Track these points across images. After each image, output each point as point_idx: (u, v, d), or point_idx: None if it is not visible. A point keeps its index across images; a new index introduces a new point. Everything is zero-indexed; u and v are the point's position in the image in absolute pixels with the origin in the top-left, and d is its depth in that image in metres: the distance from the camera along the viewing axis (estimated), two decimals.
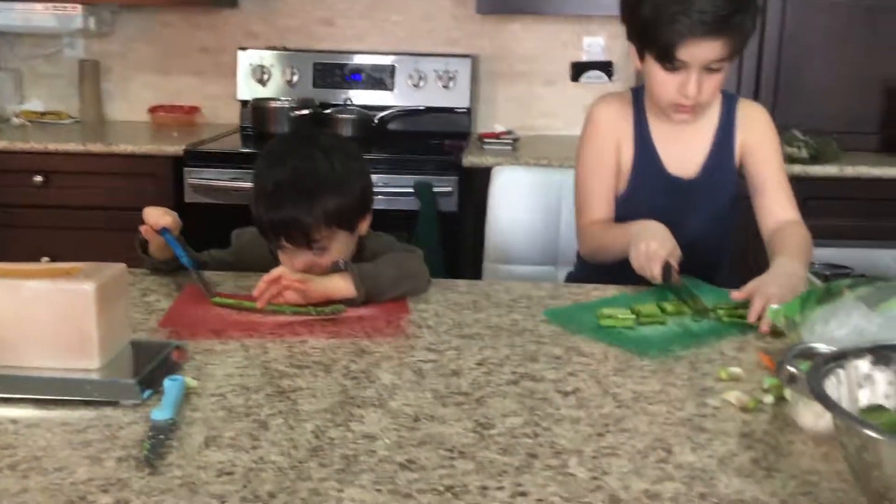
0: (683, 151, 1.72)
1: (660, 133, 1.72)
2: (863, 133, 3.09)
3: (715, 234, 1.75)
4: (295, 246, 1.47)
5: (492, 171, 2.05)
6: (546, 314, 1.39)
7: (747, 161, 1.71)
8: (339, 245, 1.50)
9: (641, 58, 1.62)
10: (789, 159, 2.84)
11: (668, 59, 1.55)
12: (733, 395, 1.08)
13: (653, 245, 1.45)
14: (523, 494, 0.86)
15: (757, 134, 1.71)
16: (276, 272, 1.37)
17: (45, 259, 2.89)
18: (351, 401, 1.06)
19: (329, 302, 1.38)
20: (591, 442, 0.97)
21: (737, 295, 1.39)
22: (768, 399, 1.07)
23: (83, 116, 3.40)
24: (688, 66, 1.55)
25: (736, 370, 1.16)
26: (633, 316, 1.36)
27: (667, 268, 1.44)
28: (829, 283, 1.13)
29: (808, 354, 0.84)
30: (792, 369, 0.81)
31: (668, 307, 1.40)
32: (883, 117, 3.10)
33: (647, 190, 1.73)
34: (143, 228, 1.50)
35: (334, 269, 1.44)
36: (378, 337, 1.29)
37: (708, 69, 1.55)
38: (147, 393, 1.05)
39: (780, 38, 3.01)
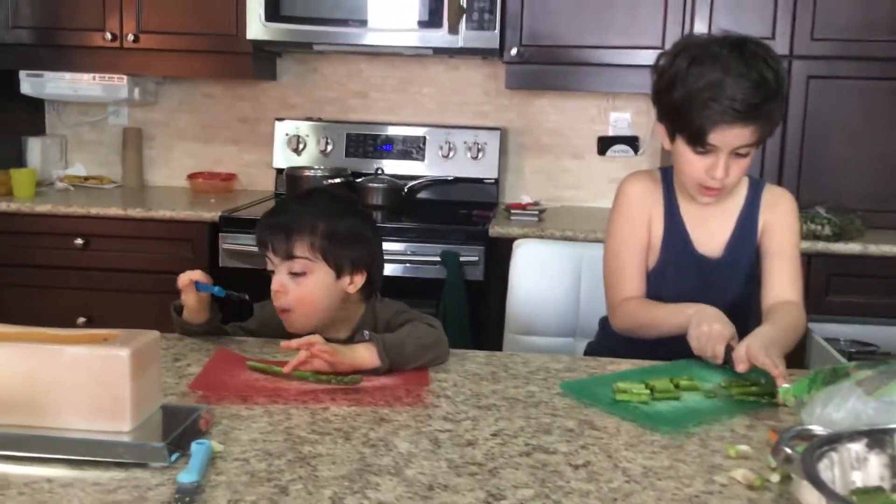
0: (710, 231, 1.77)
1: (688, 212, 1.77)
2: (887, 211, 3.12)
3: (737, 311, 1.75)
4: (279, 259, 1.57)
5: (513, 244, 2.11)
6: (562, 387, 1.43)
7: (763, 239, 1.76)
8: (318, 282, 1.59)
9: (672, 138, 1.69)
10: (812, 236, 2.87)
11: (699, 143, 1.62)
12: (740, 473, 1.10)
13: (716, 327, 1.52)
14: None
15: (778, 214, 1.76)
16: (309, 338, 1.43)
17: (82, 320, 2.99)
18: (368, 468, 1.11)
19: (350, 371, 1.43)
20: None
21: (742, 368, 1.43)
22: (775, 478, 1.10)
23: (125, 182, 3.53)
24: (717, 149, 1.61)
25: (745, 448, 1.19)
26: (648, 391, 1.39)
27: (727, 349, 1.49)
28: (836, 366, 1.16)
29: (805, 436, 0.87)
30: (788, 450, 0.85)
31: (683, 382, 1.43)
32: None
33: (675, 267, 1.78)
34: (181, 283, 1.59)
35: (358, 339, 1.49)
36: (398, 406, 1.33)
37: (736, 153, 1.62)
38: (175, 456, 1.10)
39: (804, 116, 3.07)
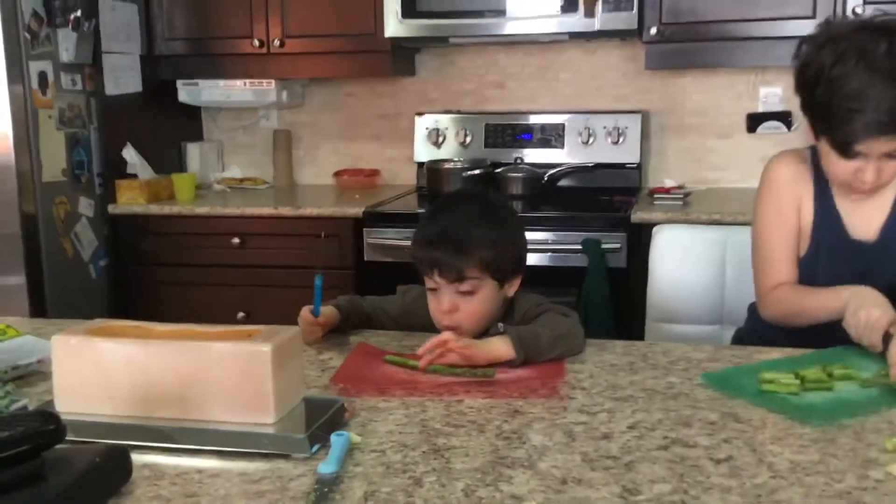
0: (864, 214, 1.67)
1: (840, 195, 1.68)
2: None
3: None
4: (446, 281, 1.54)
5: (653, 230, 2.05)
6: (703, 378, 1.37)
7: None
8: (486, 296, 1.57)
9: (816, 136, 1.60)
10: None
11: (846, 155, 1.54)
12: None
13: (874, 313, 1.42)
14: None
15: None
16: (443, 336, 1.44)
17: (241, 315, 3.14)
18: (501, 461, 1.11)
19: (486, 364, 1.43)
20: None
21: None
22: None
23: (276, 182, 3.68)
24: (865, 155, 1.53)
25: None
26: (798, 381, 1.32)
27: (886, 337, 1.39)
28: None
29: None
30: None
31: (836, 372, 1.35)
32: None
33: (828, 253, 1.68)
34: (311, 337, 1.60)
35: (493, 332, 1.49)
36: (532, 398, 1.33)
37: (888, 156, 1.53)
38: (315, 447, 1.14)
39: None
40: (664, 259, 2.02)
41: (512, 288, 1.61)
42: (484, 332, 1.56)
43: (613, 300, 2.76)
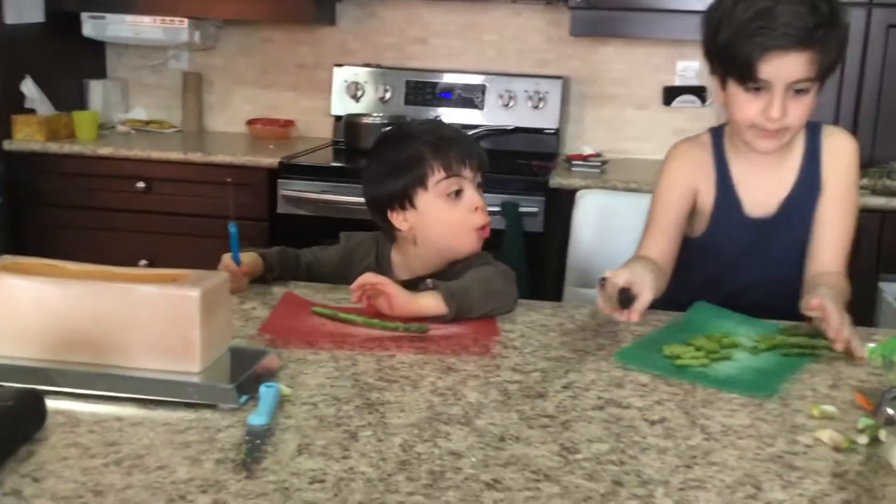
0: (765, 189, 1.66)
1: (741, 173, 1.66)
2: None
3: (800, 269, 1.66)
4: (474, 174, 1.57)
5: (576, 194, 2.05)
6: (617, 359, 1.31)
7: (822, 197, 1.62)
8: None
9: (723, 85, 1.56)
10: (888, 193, 2.76)
11: (750, 78, 1.48)
12: (826, 434, 1.06)
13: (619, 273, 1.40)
14: None
15: (838, 170, 1.62)
16: (377, 277, 1.42)
17: (143, 262, 3.02)
18: (438, 417, 1.08)
19: (417, 319, 1.40)
20: (678, 473, 0.97)
21: (815, 304, 1.35)
22: (862, 440, 1.05)
23: (185, 126, 3.53)
24: (771, 85, 1.48)
25: (829, 408, 1.14)
26: (701, 353, 1.33)
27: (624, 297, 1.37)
28: None
29: None
30: (891, 411, 0.80)
31: (723, 340, 1.38)
32: None
33: (725, 230, 1.69)
34: (244, 273, 1.55)
35: (422, 288, 1.46)
36: (465, 355, 1.31)
37: (794, 90, 1.49)
38: (244, 398, 1.09)
39: (883, 67, 2.94)
40: (586, 224, 2.03)
41: None
42: (413, 289, 1.53)
43: (529, 264, 2.77)
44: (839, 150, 1.64)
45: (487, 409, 1.11)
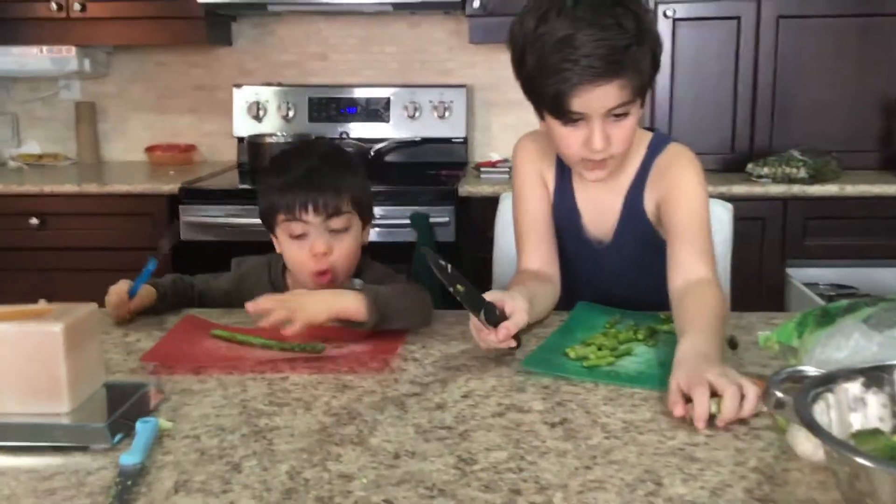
0: (601, 211, 1.56)
1: (580, 188, 1.56)
2: (862, 151, 3.07)
3: (660, 289, 1.48)
4: (321, 218, 1.48)
5: (500, 197, 2.01)
6: (524, 366, 1.26)
7: (661, 214, 1.49)
8: (356, 235, 1.54)
9: (541, 115, 1.44)
10: (788, 180, 2.81)
11: (563, 113, 1.36)
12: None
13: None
14: None
15: (668, 181, 1.48)
16: (272, 297, 1.34)
17: (42, 301, 2.87)
18: (329, 439, 1.03)
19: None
20: (577, 476, 0.93)
21: (679, 411, 1.07)
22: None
23: (80, 158, 3.41)
24: (587, 117, 1.36)
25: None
26: (604, 351, 1.29)
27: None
28: (827, 305, 1.08)
29: (797, 378, 0.80)
30: (779, 394, 0.78)
31: (620, 336, 1.37)
32: (881, 135, 3.07)
33: (569, 246, 1.60)
34: (118, 316, 1.48)
35: (347, 287, 1.41)
36: (363, 371, 1.25)
37: (612, 115, 1.37)
38: (118, 437, 1.02)
39: (775, 58, 3.00)
40: (509, 226, 1.96)
41: (366, 234, 1.59)
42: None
43: None
44: (669, 164, 1.50)
45: (382, 426, 1.06)
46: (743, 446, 0.99)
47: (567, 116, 1.36)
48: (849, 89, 3.04)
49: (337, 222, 1.50)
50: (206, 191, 2.88)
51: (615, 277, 1.59)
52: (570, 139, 1.40)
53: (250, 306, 1.31)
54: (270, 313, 1.30)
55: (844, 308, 1.06)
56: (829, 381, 0.78)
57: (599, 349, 1.30)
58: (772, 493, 0.88)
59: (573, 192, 1.57)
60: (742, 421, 1.05)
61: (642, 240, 1.54)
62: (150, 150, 3.36)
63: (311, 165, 1.52)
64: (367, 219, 1.58)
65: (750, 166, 2.90)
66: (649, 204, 1.52)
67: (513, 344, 1.28)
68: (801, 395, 0.75)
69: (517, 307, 1.29)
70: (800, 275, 2.86)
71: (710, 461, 0.96)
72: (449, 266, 1.27)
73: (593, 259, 1.59)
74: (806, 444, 0.92)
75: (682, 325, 1.27)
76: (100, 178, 3.06)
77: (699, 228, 1.43)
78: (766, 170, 2.86)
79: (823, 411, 0.76)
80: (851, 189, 2.80)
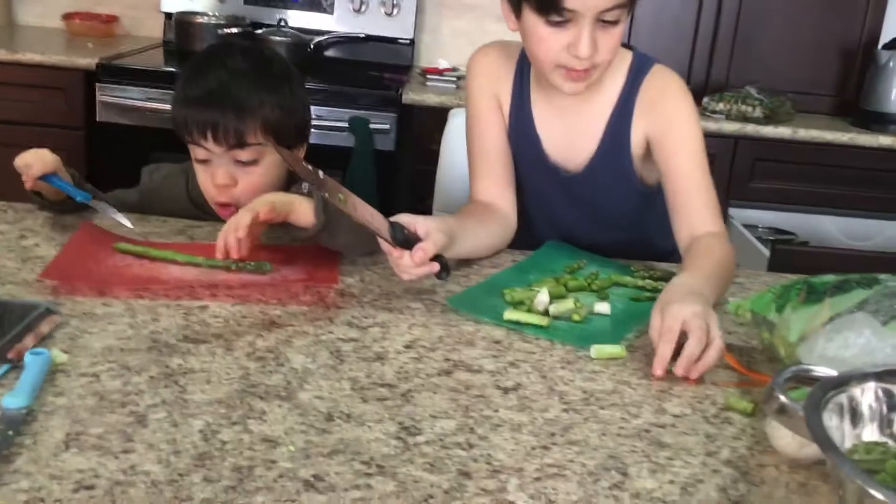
0: (569, 137, 1.41)
1: (543, 109, 1.41)
2: (816, 94, 3.01)
3: (619, 226, 1.47)
4: (223, 149, 1.29)
5: (449, 113, 1.85)
6: (450, 303, 1.15)
7: (655, 154, 1.36)
8: (269, 167, 1.34)
9: (517, 13, 1.29)
10: (742, 118, 2.73)
11: (554, 9, 1.22)
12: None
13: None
14: None
15: (660, 115, 1.34)
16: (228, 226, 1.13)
17: None
18: (252, 390, 0.89)
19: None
20: (534, 457, 0.82)
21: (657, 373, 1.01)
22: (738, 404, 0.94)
23: None
24: (578, 16, 1.23)
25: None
26: (543, 313, 1.14)
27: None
28: (811, 279, 0.99)
29: (802, 378, 0.70)
30: (783, 399, 0.67)
31: (570, 283, 1.24)
32: (838, 80, 3.02)
33: (528, 174, 1.45)
34: (27, 185, 1.27)
35: (295, 190, 1.25)
36: (293, 305, 1.11)
37: (601, 21, 1.24)
38: (2, 370, 0.87)
39: None
40: (458, 146, 1.81)
41: (298, 156, 1.36)
42: None
43: (379, 185, 2.58)
44: (657, 95, 1.35)
45: (314, 378, 0.93)
46: (713, 432, 0.90)
47: (557, 13, 1.22)
48: (811, 30, 2.96)
49: (242, 154, 1.30)
50: (126, 69, 2.63)
51: (582, 213, 1.46)
52: (552, 42, 1.26)
53: (221, 253, 1.12)
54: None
55: (833, 286, 0.97)
56: (840, 384, 0.68)
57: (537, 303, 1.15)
58: (748, 494, 0.79)
59: (531, 115, 1.42)
60: (702, 393, 0.96)
61: (620, 173, 1.40)
62: (67, 17, 3.06)
63: (218, 80, 1.31)
64: (290, 146, 1.36)
65: (706, 100, 2.80)
66: (637, 135, 1.37)
67: (435, 268, 1.14)
68: (810, 404, 0.65)
69: (430, 227, 1.14)
70: (741, 216, 2.80)
71: (678, 448, 0.86)
72: (320, 172, 1.10)
73: (557, 191, 1.45)
74: (788, 441, 0.83)
75: (681, 270, 1.19)
76: (10, 43, 2.77)
77: (702, 175, 1.32)
78: (721, 105, 2.77)
79: (834, 421, 0.66)
80: (804, 133, 2.74)
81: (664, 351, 1.00)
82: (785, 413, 0.68)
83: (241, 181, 1.32)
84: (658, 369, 1.00)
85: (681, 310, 1.01)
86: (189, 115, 1.30)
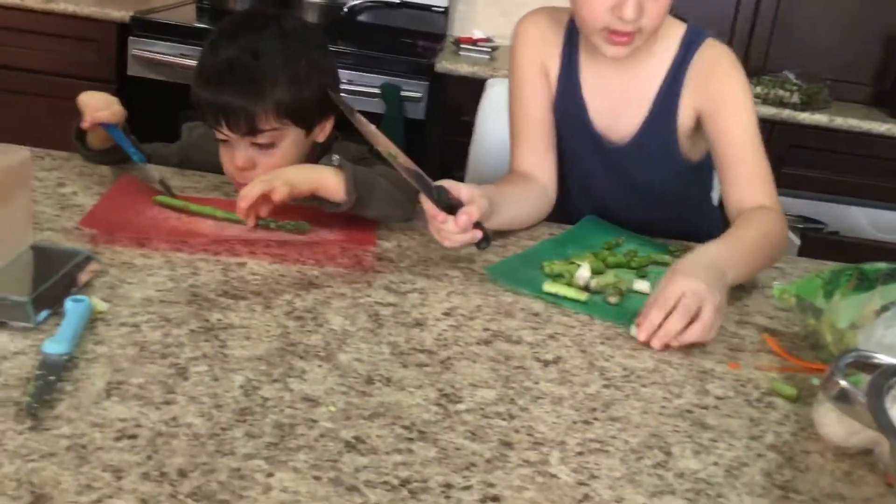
0: (617, 108, 1.39)
1: (591, 77, 1.39)
2: (854, 83, 2.95)
3: (662, 199, 1.45)
4: (238, 135, 1.25)
5: (486, 83, 1.82)
6: (488, 272, 1.14)
7: (707, 127, 1.33)
8: (289, 147, 1.29)
9: None
10: (779, 103, 2.68)
11: None
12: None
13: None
14: (495, 500, 0.70)
15: (712, 90, 1.32)
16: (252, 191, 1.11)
17: None
18: (292, 349, 0.89)
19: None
20: (575, 431, 0.81)
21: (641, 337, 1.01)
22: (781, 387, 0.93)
23: None
24: None
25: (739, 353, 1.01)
26: (582, 287, 1.13)
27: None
28: (863, 267, 0.97)
29: (861, 365, 0.69)
30: (843, 384, 0.66)
31: (610, 259, 1.23)
32: (877, 69, 2.96)
33: (571, 142, 1.43)
34: (84, 124, 1.25)
35: (325, 162, 1.23)
36: (331, 266, 1.10)
37: None
38: (43, 314, 0.86)
39: None
40: (494, 116, 1.79)
41: (323, 133, 1.34)
42: None
43: (408, 153, 2.56)
44: (709, 69, 1.33)
45: (353, 340, 0.92)
46: (757, 416, 0.89)
47: None
48: (851, 18, 2.90)
49: (258, 138, 1.26)
50: (159, 23, 2.61)
51: (620, 185, 1.43)
52: (598, 4, 1.24)
53: (242, 210, 1.10)
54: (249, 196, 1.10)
55: (885, 273, 0.95)
56: None
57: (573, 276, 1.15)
58: (794, 480, 0.78)
59: (578, 83, 1.39)
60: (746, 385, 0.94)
61: (664, 146, 1.38)
62: None
63: (233, 57, 1.25)
64: (312, 122, 1.31)
65: None
66: (685, 108, 1.35)
67: (478, 235, 1.12)
68: (873, 389, 0.63)
69: (475, 193, 1.12)
70: None
71: (722, 431, 0.85)
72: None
73: (598, 162, 1.42)
74: (835, 428, 0.81)
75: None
76: None
77: (755, 148, 1.29)
78: (759, 89, 2.72)
79: (891, 405, 0.64)
80: (841, 121, 2.69)
81: (653, 317, 0.99)
82: (845, 398, 0.66)
83: (261, 163, 1.27)
84: (642, 335, 1.00)
85: (683, 283, 1.00)
86: (202, 98, 1.26)
